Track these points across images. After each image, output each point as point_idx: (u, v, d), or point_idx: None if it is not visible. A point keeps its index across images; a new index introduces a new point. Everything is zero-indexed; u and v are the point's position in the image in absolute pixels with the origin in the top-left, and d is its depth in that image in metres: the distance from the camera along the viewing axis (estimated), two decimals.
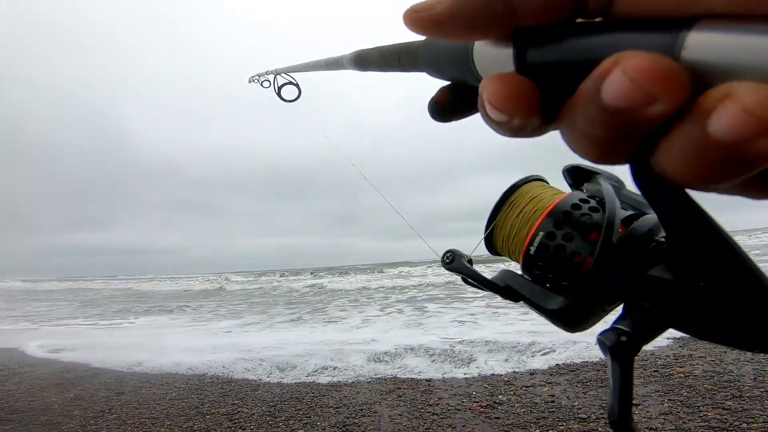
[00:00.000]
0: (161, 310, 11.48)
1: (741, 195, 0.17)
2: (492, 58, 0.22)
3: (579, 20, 0.19)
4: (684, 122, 0.15)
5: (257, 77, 1.16)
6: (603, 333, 0.31)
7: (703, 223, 0.23)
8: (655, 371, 3.33)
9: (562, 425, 2.65)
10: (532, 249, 0.39)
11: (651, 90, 0.15)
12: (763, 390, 2.71)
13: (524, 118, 0.20)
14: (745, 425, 2.30)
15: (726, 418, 2.41)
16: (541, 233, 0.39)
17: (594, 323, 0.36)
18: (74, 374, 4.64)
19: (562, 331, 0.38)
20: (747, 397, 2.65)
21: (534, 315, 0.40)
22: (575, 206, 0.39)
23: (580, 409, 2.84)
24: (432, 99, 0.30)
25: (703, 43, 0.15)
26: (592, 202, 0.39)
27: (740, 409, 2.50)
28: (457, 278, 0.42)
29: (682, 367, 3.33)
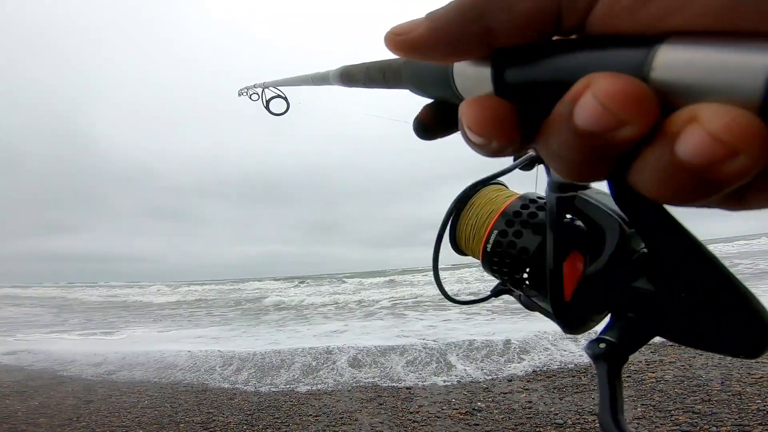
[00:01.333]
0: (133, 317, 11.13)
1: (718, 207, 0.18)
2: (471, 78, 0.23)
3: (555, 38, 0.19)
4: (654, 144, 0.15)
5: (246, 90, 1.16)
6: (590, 343, 0.33)
7: (680, 236, 0.24)
8: (627, 376, 3.42)
9: (540, 431, 2.69)
10: (489, 246, 0.43)
11: (621, 114, 0.15)
12: (730, 393, 2.81)
13: (502, 141, 0.20)
14: (714, 428, 2.38)
15: (696, 422, 2.49)
16: (495, 231, 0.43)
17: (590, 328, 0.38)
18: (39, 382, 4.45)
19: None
20: (715, 400, 2.75)
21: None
22: (524, 206, 0.43)
23: (557, 414, 2.88)
24: (416, 117, 0.31)
25: (669, 62, 0.15)
26: (540, 202, 0.43)
27: (709, 412, 2.58)
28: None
29: (653, 373, 3.43)
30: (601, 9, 0.17)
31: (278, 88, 1.00)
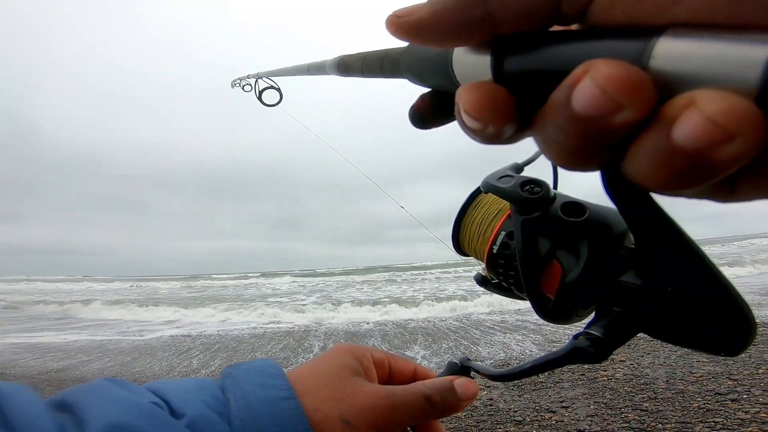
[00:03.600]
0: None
1: (709, 199, 0.18)
2: (470, 65, 0.23)
3: (556, 27, 0.20)
4: (650, 130, 0.16)
5: (239, 81, 1.13)
6: (574, 337, 0.33)
7: (670, 231, 0.24)
8: (582, 375, 3.58)
9: (500, 428, 2.77)
10: (495, 248, 0.42)
11: (618, 98, 0.15)
12: (674, 392, 3.01)
13: (498, 126, 0.20)
14: (660, 426, 2.54)
15: (644, 419, 2.64)
16: (503, 233, 0.42)
17: (574, 321, 0.39)
18: None
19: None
20: (661, 398, 2.93)
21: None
22: None
23: (516, 412, 2.98)
24: (412, 106, 0.31)
25: (669, 52, 0.15)
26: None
27: (656, 410, 2.75)
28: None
29: (605, 371, 3.61)
30: (603, 0, 0.17)
31: (272, 78, 0.98)
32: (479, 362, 0.45)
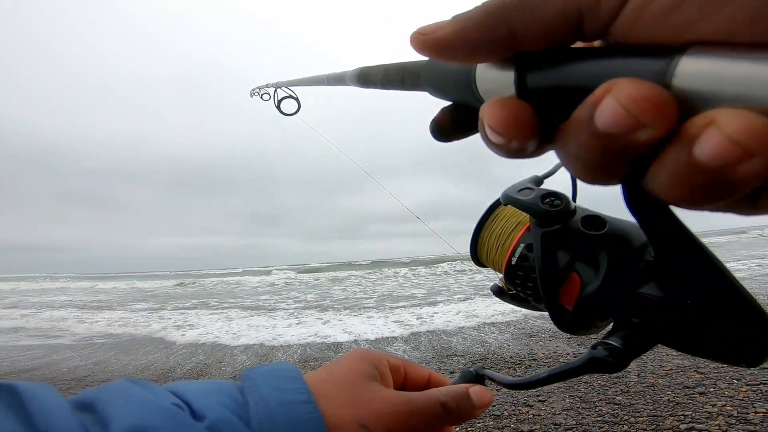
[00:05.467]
0: None
1: (732, 212, 0.18)
2: (494, 80, 0.23)
3: (578, 44, 0.20)
4: (672, 147, 0.16)
5: (258, 90, 1.19)
6: (594, 346, 0.33)
7: (690, 243, 0.24)
8: None
9: (479, 422, 2.81)
10: (514, 260, 0.43)
11: (641, 117, 0.16)
12: (645, 386, 3.11)
13: (522, 142, 0.21)
14: (632, 419, 2.62)
15: (617, 413, 2.73)
16: (522, 245, 0.42)
17: (592, 333, 0.39)
18: None
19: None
20: (633, 392, 3.02)
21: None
22: None
23: (495, 406, 3.03)
24: (433, 119, 0.31)
25: (691, 71, 0.15)
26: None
27: (628, 403, 2.84)
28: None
29: None
30: (626, 18, 0.17)
31: (290, 88, 1.01)
32: (492, 370, 0.46)
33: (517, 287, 0.44)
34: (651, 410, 2.70)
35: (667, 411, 2.65)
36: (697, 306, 0.26)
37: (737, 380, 2.95)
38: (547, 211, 0.38)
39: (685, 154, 0.15)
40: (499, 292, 0.50)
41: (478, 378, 0.46)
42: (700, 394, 2.82)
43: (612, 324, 0.34)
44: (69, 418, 0.29)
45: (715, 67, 0.15)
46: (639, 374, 3.33)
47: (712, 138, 0.14)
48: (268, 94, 1.10)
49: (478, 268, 0.51)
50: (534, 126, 0.21)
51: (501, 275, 0.46)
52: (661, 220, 0.23)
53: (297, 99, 1.04)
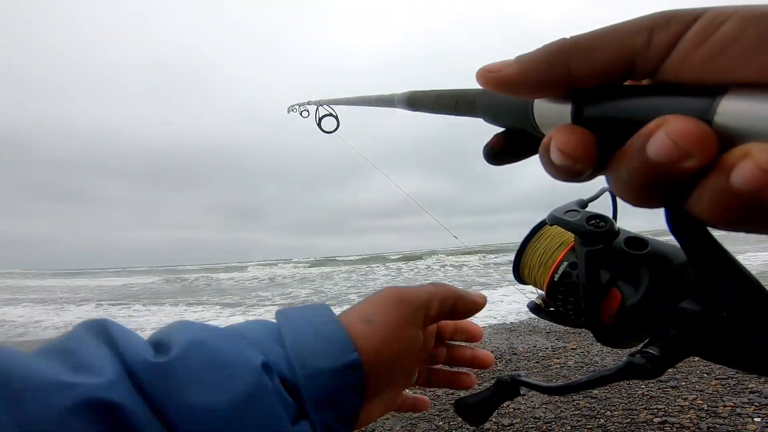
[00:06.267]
0: None
1: (766, 233, 0.21)
2: (551, 113, 0.26)
3: (629, 82, 0.22)
4: (712, 175, 0.18)
5: (297, 106, 1.23)
6: (632, 354, 0.35)
7: (726, 262, 0.27)
8: (537, 363, 3.75)
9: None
10: (557, 276, 0.46)
11: (687, 149, 0.18)
12: None
13: (585, 164, 0.23)
14: (608, 412, 2.70)
15: (594, 406, 2.80)
16: (565, 263, 0.46)
17: (630, 346, 0.42)
18: None
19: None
20: (609, 386, 3.11)
21: None
22: None
23: None
24: (487, 144, 0.34)
25: (730, 110, 0.18)
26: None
27: (604, 397, 2.92)
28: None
29: (558, 359, 3.79)
30: (674, 61, 0.20)
31: (330, 106, 1.07)
32: (526, 375, 0.48)
33: (557, 303, 0.47)
34: (626, 404, 2.78)
35: (642, 404, 2.74)
36: (732, 319, 0.29)
37: (707, 374, 3.06)
38: (593, 232, 0.41)
39: (724, 181, 0.18)
40: (536, 309, 0.53)
41: (514, 385, 0.48)
42: (673, 387, 2.92)
43: (647, 340, 0.37)
44: (144, 343, 0.36)
45: (751, 106, 0.17)
46: None
47: (747, 167, 0.17)
48: (308, 111, 1.15)
49: (519, 285, 0.55)
50: (595, 152, 0.23)
51: (541, 292, 0.49)
52: (700, 240, 0.26)
53: (336, 117, 1.10)
